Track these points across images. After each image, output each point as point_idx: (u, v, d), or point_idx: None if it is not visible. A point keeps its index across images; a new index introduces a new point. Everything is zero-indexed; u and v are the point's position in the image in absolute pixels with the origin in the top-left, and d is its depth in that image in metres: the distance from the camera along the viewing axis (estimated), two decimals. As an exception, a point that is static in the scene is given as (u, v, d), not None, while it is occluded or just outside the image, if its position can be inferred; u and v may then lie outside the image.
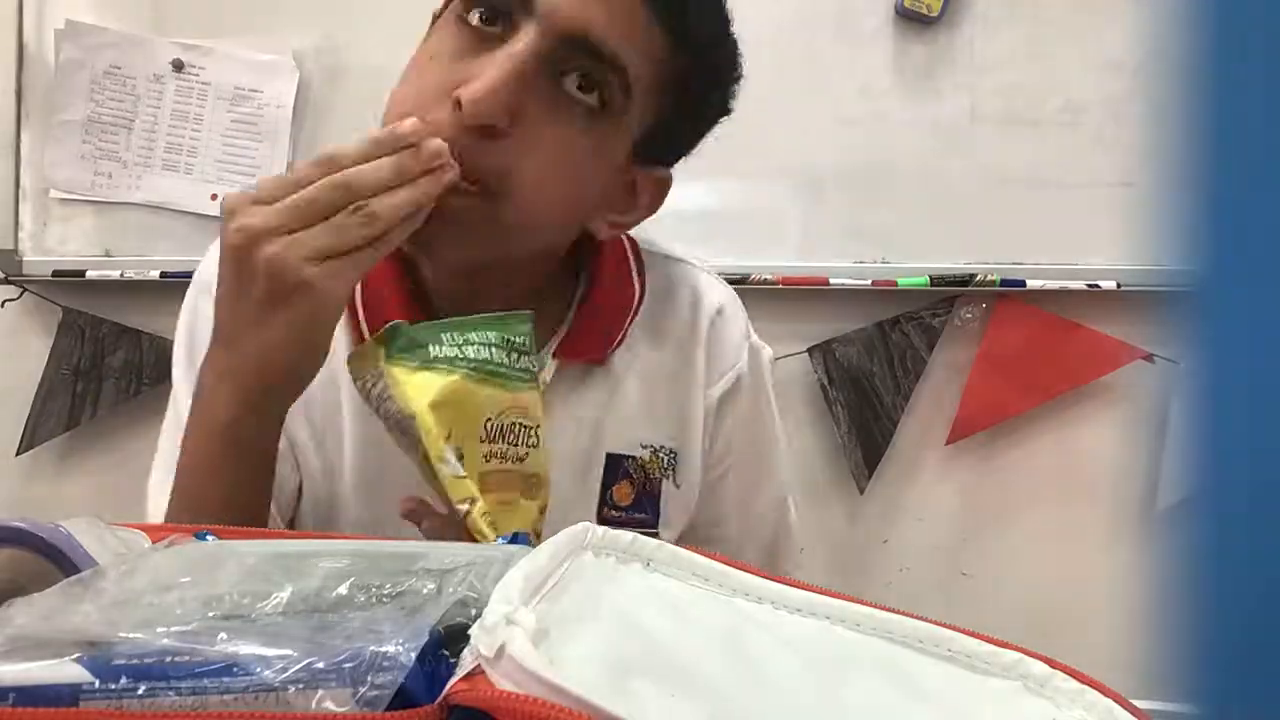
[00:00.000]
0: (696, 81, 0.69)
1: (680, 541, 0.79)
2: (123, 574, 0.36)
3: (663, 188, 0.74)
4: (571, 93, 0.63)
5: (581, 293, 0.78)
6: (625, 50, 0.63)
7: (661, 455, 0.77)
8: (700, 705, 0.32)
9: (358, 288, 0.75)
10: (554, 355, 0.75)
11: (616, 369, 0.77)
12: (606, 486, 0.75)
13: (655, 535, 0.73)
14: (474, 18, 0.63)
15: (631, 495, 0.76)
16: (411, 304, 0.73)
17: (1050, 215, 1.42)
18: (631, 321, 0.78)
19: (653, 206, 0.74)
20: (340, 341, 0.72)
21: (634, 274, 0.80)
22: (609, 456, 0.76)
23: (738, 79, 0.72)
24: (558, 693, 0.27)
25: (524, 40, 0.61)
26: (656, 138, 0.69)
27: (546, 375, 0.74)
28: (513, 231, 0.66)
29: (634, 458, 0.77)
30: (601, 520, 0.73)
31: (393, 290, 0.74)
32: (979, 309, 1.45)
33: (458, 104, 0.60)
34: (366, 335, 0.73)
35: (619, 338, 0.77)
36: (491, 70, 0.60)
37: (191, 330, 0.77)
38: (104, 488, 1.51)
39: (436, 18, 0.69)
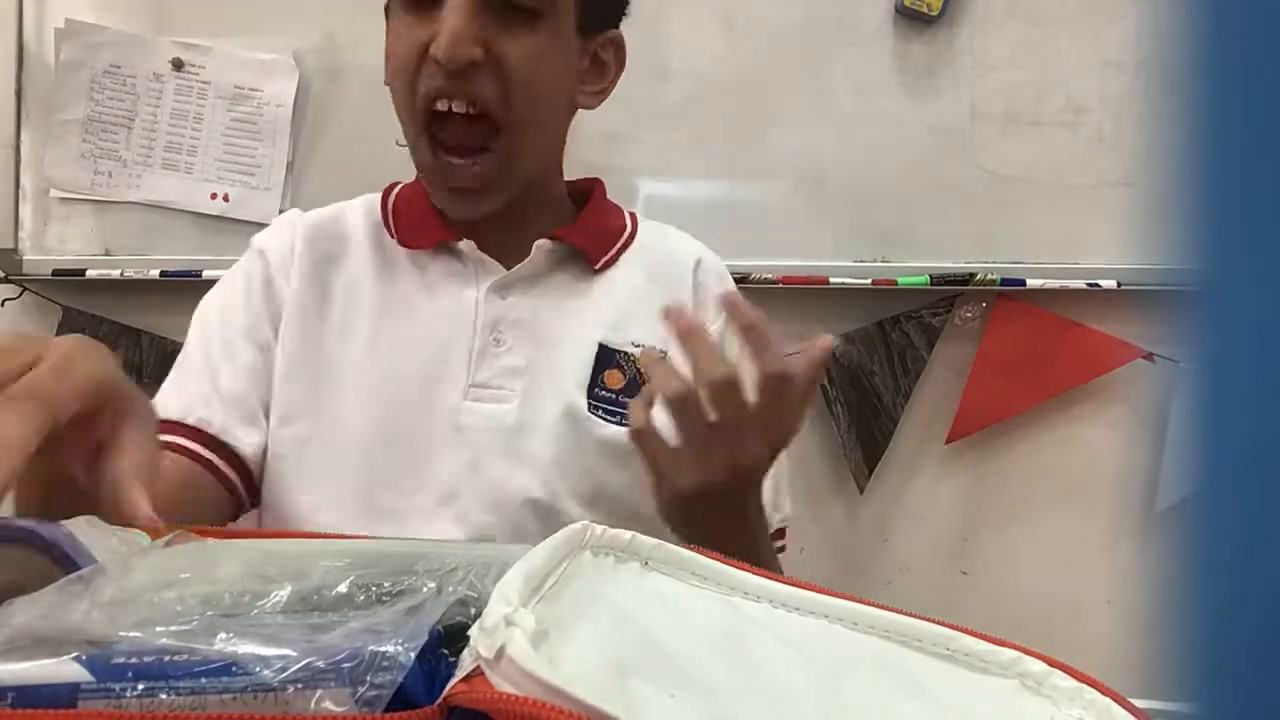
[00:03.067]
0: None
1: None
2: (122, 572, 0.36)
3: (618, 43, 0.87)
4: (518, 4, 0.75)
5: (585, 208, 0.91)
6: None
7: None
8: (699, 705, 0.32)
9: (386, 199, 0.88)
10: (550, 236, 0.85)
11: (610, 280, 0.87)
12: (598, 371, 0.83)
13: None
14: None
15: (623, 382, 0.83)
16: (440, 221, 0.84)
17: (1050, 215, 1.42)
18: (623, 248, 0.89)
19: (620, 62, 0.87)
20: (368, 238, 0.85)
21: (626, 214, 0.93)
22: (601, 346, 0.83)
23: None
24: (557, 694, 0.27)
25: None
26: (593, 6, 0.82)
27: (544, 245, 0.84)
28: (527, 133, 0.78)
29: (626, 353, 0.84)
30: (593, 398, 0.82)
31: (422, 206, 0.85)
32: (979, 308, 1.45)
33: (436, 62, 0.73)
34: (394, 235, 0.85)
35: (612, 252, 0.88)
36: (450, 19, 0.72)
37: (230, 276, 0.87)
38: (104, 487, 1.51)
39: (388, 10, 0.80)
